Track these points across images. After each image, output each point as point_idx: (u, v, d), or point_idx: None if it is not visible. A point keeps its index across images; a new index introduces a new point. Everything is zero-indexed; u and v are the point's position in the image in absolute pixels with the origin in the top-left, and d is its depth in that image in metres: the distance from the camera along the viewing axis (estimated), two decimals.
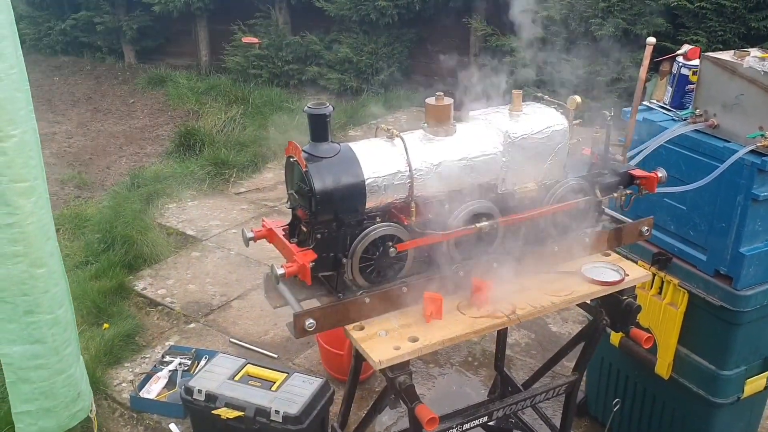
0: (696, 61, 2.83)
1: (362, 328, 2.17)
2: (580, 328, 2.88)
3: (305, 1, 9.32)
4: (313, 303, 2.18)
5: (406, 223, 2.19)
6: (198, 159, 6.99)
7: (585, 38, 7.63)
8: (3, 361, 2.96)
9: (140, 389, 3.85)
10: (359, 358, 2.58)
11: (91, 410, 3.34)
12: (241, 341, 4.34)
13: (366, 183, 2.09)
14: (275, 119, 7.82)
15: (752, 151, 2.56)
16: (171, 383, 3.90)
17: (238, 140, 7.45)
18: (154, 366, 4.05)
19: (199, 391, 3.23)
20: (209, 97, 8.84)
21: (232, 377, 3.32)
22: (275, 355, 4.20)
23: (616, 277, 2.41)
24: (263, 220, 2.29)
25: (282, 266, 2.03)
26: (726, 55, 2.71)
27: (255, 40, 9.23)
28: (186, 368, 3.98)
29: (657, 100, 3.10)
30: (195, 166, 6.79)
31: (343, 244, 2.13)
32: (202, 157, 7.00)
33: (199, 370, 3.55)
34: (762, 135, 2.53)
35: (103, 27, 10.81)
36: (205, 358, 4.01)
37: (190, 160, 7.03)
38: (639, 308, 2.46)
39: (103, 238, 5.34)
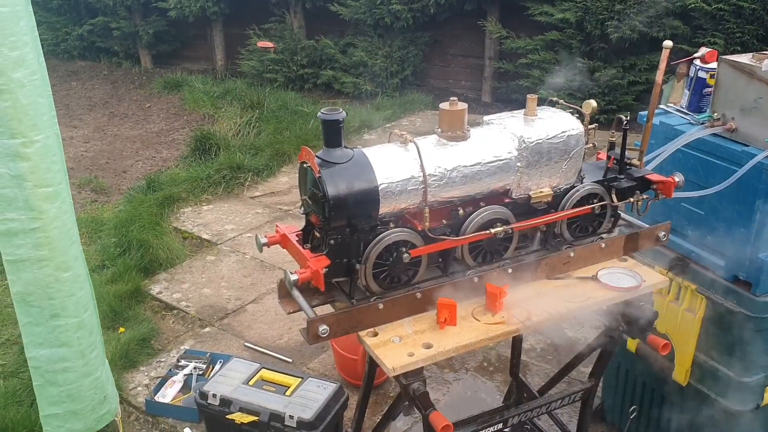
0: (713, 64, 2.80)
1: (376, 335, 2.16)
2: (596, 333, 2.84)
3: (320, 5, 9.35)
4: (327, 309, 2.18)
5: (419, 229, 2.17)
6: (213, 163, 7.01)
7: (601, 41, 7.59)
8: (30, 365, 2.99)
9: (155, 393, 3.86)
10: (373, 364, 2.57)
11: (117, 414, 3.36)
12: (255, 345, 4.35)
13: (379, 188, 2.08)
14: (291, 123, 7.84)
15: None
16: (186, 387, 3.90)
17: (253, 144, 7.47)
18: (170, 370, 4.06)
19: (214, 396, 3.24)
20: (225, 101, 8.88)
21: (247, 382, 3.32)
22: (290, 360, 4.20)
23: (632, 283, 2.38)
24: (277, 226, 2.29)
25: (295, 272, 2.02)
26: (744, 58, 2.67)
27: (270, 44, 9.27)
28: (201, 372, 3.98)
29: (674, 103, 3.07)
30: (210, 170, 6.81)
31: (357, 249, 2.12)
32: (218, 161, 7.02)
33: (214, 375, 3.56)
34: None
35: (119, 32, 10.91)
36: (220, 362, 4.01)
37: (206, 164, 7.06)
38: (656, 314, 2.43)
39: (120, 242, 5.38)
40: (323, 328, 2.05)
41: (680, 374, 2.97)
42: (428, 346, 2.10)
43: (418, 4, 8.56)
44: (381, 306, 2.15)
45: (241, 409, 3.16)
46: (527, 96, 2.32)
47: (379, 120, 8.34)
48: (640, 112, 2.88)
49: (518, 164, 2.25)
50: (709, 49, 2.84)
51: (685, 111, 2.96)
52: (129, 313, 4.61)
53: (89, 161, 7.71)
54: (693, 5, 7.05)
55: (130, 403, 3.91)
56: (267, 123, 7.98)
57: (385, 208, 2.12)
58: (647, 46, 7.50)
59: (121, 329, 4.41)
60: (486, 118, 2.38)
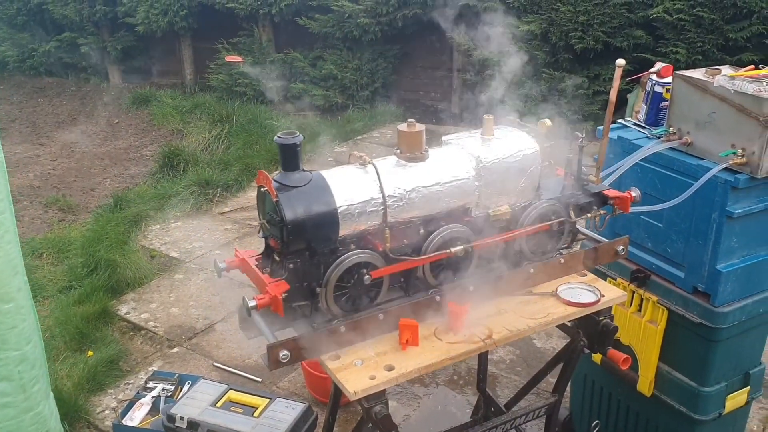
0: (669, 79, 2.84)
1: (338, 358, 2.15)
2: (564, 344, 2.87)
3: (288, 19, 9.35)
4: (289, 332, 2.17)
5: (380, 250, 2.18)
6: (182, 179, 6.97)
7: (566, 51, 7.68)
8: None
9: (123, 416, 3.81)
10: None
11: None
12: (224, 365, 4.32)
13: (338, 211, 2.08)
14: (260, 136, 7.81)
15: (726, 169, 2.57)
16: (154, 410, 3.85)
17: (222, 159, 7.44)
18: (138, 392, 4.01)
19: (181, 419, 3.20)
20: (194, 115, 8.83)
21: (214, 404, 3.29)
22: (259, 379, 4.17)
23: (591, 299, 2.41)
24: (236, 250, 2.28)
25: (254, 298, 2.02)
26: (697, 74, 2.73)
27: (238, 58, 9.25)
28: (169, 394, 3.94)
29: (638, 112, 3.11)
30: (179, 186, 6.77)
31: (317, 273, 2.12)
32: (186, 177, 6.98)
33: (182, 397, 3.52)
34: (734, 153, 2.55)
35: (87, 48, 10.82)
36: (188, 383, 3.97)
37: (174, 180, 7.01)
38: (616, 329, 2.47)
39: (87, 262, 5.31)
40: (284, 354, 2.04)
41: (644, 385, 3.00)
42: (390, 368, 2.10)
43: (386, 18, 8.60)
44: (343, 329, 2.15)
45: None
46: (483, 116, 2.35)
47: (349, 132, 8.36)
48: (599, 127, 2.92)
49: (476, 183, 2.27)
50: (664, 65, 2.89)
51: (643, 125, 3.01)
52: (96, 335, 4.55)
53: (57, 179, 7.62)
54: (655, 15, 7.18)
55: (97, 427, 3.86)
56: (236, 137, 7.95)
57: (345, 231, 2.12)
58: (611, 56, 7.61)
59: (90, 353, 4.35)
60: (444, 138, 2.40)
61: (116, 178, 7.63)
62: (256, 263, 2.21)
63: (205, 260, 5.62)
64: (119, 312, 4.91)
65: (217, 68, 9.90)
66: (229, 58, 9.11)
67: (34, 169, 7.86)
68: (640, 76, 3.10)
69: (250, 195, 6.93)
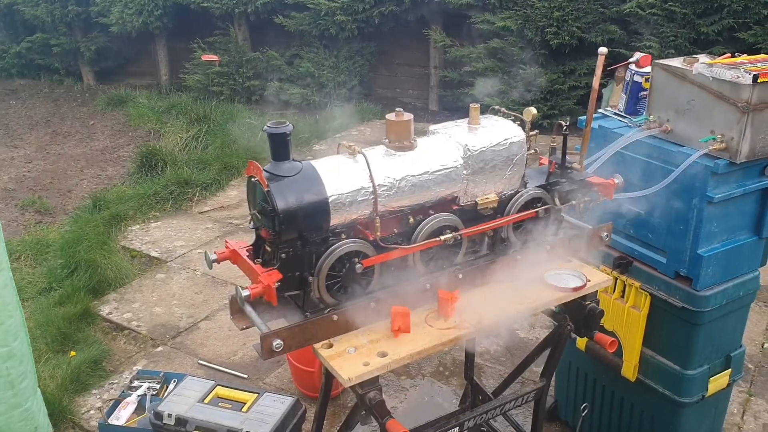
0: (648, 68, 2.90)
1: (331, 346, 2.17)
2: (547, 334, 2.91)
3: (264, 18, 9.33)
4: (281, 322, 2.18)
5: (371, 239, 2.20)
6: (160, 179, 6.92)
7: (542, 47, 7.76)
8: None
9: (109, 416, 3.78)
10: (330, 375, 2.58)
11: None
12: (210, 363, 4.30)
13: (330, 200, 2.10)
14: (238, 135, 7.79)
15: (705, 155, 2.63)
16: (140, 408, 3.83)
17: (200, 158, 7.40)
18: (123, 391, 3.98)
19: (169, 416, 3.19)
20: (170, 116, 8.76)
21: (202, 400, 3.28)
22: (245, 376, 4.17)
23: (578, 283, 2.45)
24: (226, 242, 2.28)
25: (247, 288, 2.02)
26: (676, 62, 2.78)
27: (215, 57, 9.20)
28: (155, 392, 3.91)
29: (613, 106, 3.16)
30: (158, 186, 6.72)
31: (309, 262, 2.13)
32: (165, 176, 6.93)
33: (169, 394, 3.50)
34: (713, 139, 2.60)
35: (59, 49, 10.68)
36: (174, 381, 3.95)
37: (153, 180, 6.96)
38: (602, 313, 2.51)
39: (66, 264, 5.26)
40: (277, 343, 2.05)
41: (629, 370, 3.06)
42: (383, 355, 2.12)
43: (363, 15, 8.62)
44: (335, 317, 2.17)
45: (198, 428, 3.12)
46: (470, 105, 2.37)
47: (328, 130, 8.36)
48: (580, 117, 2.96)
49: (464, 172, 2.30)
50: (643, 54, 2.94)
51: (623, 114, 3.06)
52: (79, 336, 4.51)
53: (32, 181, 7.52)
54: (628, 11, 7.28)
55: (82, 427, 3.83)
56: (214, 137, 7.91)
57: (336, 220, 2.14)
58: (586, 51, 7.71)
59: (72, 353, 4.31)
60: (431, 127, 2.42)
61: (93, 180, 7.55)
62: (247, 254, 2.22)
63: (187, 259, 5.59)
64: (101, 312, 4.87)
65: (193, 68, 9.84)
66: (205, 57, 9.06)
67: (8, 172, 7.75)
68: (614, 69, 3.15)
69: (230, 194, 6.91)
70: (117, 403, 3.87)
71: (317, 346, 2.17)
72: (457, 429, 2.59)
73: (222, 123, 8.27)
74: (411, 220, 2.28)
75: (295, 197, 2.05)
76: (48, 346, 4.38)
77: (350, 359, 2.11)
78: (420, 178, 2.23)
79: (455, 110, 8.44)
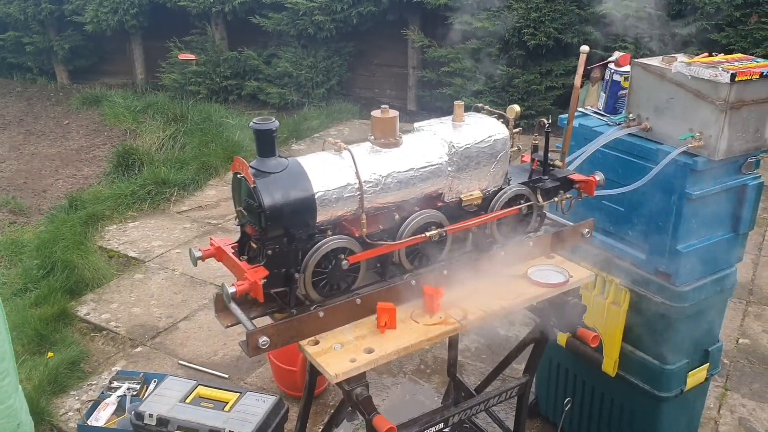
0: (627, 68, 2.94)
1: (317, 343, 2.17)
2: (527, 331, 2.94)
3: (241, 17, 9.28)
4: (266, 320, 2.18)
5: (357, 235, 2.20)
6: (137, 179, 6.85)
7: (519, 48, 7.82)
8: None
9: (88, 417, 3.73)
10: (314, 373, 2.58)
11: None
12: (190, 363, 4.27)
13: (316, 197, 2.10)
14: (216, 135, 7.74)
15: (684, 152, 2.67)
16: (120, 409, 3.78)
17: (178, 158, 7.34)
18: (102, 392, 3.93)
19: (150, 416, 3.16)
20: (147, 115, 8.67)
21: (184, 399, 3.26)
22: (226, 376, 4.15)
23: (561, 279, 2.48)
24: (211, 239, 2.28)
25: (233, 285, 2.02)
26: (655, 61, 2.82)
27: (192, 56, 9.15)
28: (135, 393, 3.87)
29: (590, 106, 3.20)
30: (135, 186, 6.66)
31: (295, 259, 2.13)
32: (142, 176, 6.87)
33: (149, 394, 3.47)
34: (692, 136, 2.65)
35: (32, 47, 10.55)
36: (154, 381, 3.91)
37: (130, 180, 6.89)
38: (584, 308, 2.54)
39: (42, 264, 5.19)
40: (263, 340, 2.05)
41: (609, 365, 3.09)
42: (370, 351, 2.13)
43: (341, 15, 8.62)
44: (321, 314, 2.17)
45: (180, 428, 3.10)
46: (454, 103, 2.39)
47: (306, 130, 8.34)
48: (560, 116, 3.00)
49: (449, 169, 2.31)
50: (622, 53, 2.98)
51: (602, 113, 3.10)
52: (56, 337, 4.45)
53: (5, 181, 7.41)
54: (604, 12, 7.36)
55: (60, 429, 3.78)
56: (191, 136, 7.86)
57: (322, 216, 2.14)
58: (562, 52, 7.78)
59: (50, 354, 4.26)
60: (416, 124, 2.43)
61: (69, 180, 7.46)
62: (233, 251, 2.21)
63: (165, 259, 5.54)
64: (79, 313, 4.81)
65: (169, 67, 9.77)
66: (182, 56, 9.00)
67: None
68: (590, 70, 3.19)
69: (208, 194, 6.87)
70: (96, 404, 3.82)
71: (303, 343, 2.16)
72: (441, 425, 2.60)
73: (199, 122, 8.21)
74: (397, 216, 2.29)
75: (281, 194, 2.05)
76: (24, 348, 4.32)
77: (337, 356, 2.11)
78: (405, 174, 2.24)
79: (433, 110, 8.47)
